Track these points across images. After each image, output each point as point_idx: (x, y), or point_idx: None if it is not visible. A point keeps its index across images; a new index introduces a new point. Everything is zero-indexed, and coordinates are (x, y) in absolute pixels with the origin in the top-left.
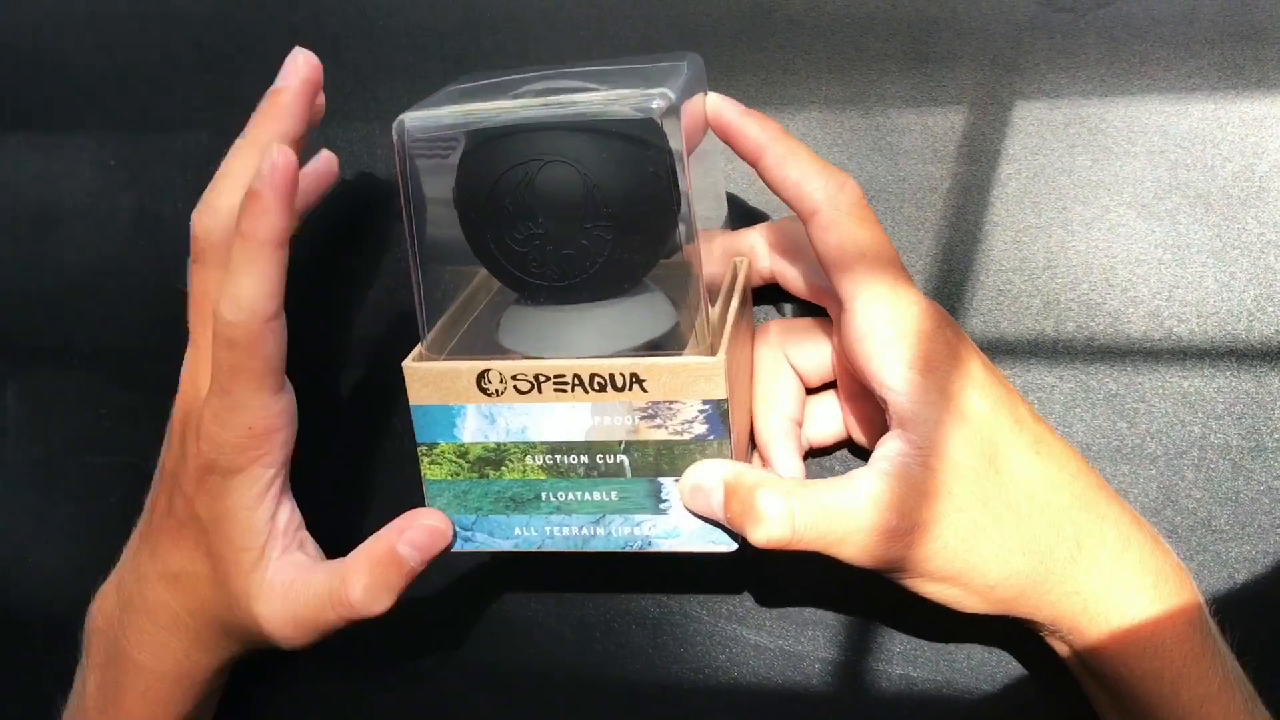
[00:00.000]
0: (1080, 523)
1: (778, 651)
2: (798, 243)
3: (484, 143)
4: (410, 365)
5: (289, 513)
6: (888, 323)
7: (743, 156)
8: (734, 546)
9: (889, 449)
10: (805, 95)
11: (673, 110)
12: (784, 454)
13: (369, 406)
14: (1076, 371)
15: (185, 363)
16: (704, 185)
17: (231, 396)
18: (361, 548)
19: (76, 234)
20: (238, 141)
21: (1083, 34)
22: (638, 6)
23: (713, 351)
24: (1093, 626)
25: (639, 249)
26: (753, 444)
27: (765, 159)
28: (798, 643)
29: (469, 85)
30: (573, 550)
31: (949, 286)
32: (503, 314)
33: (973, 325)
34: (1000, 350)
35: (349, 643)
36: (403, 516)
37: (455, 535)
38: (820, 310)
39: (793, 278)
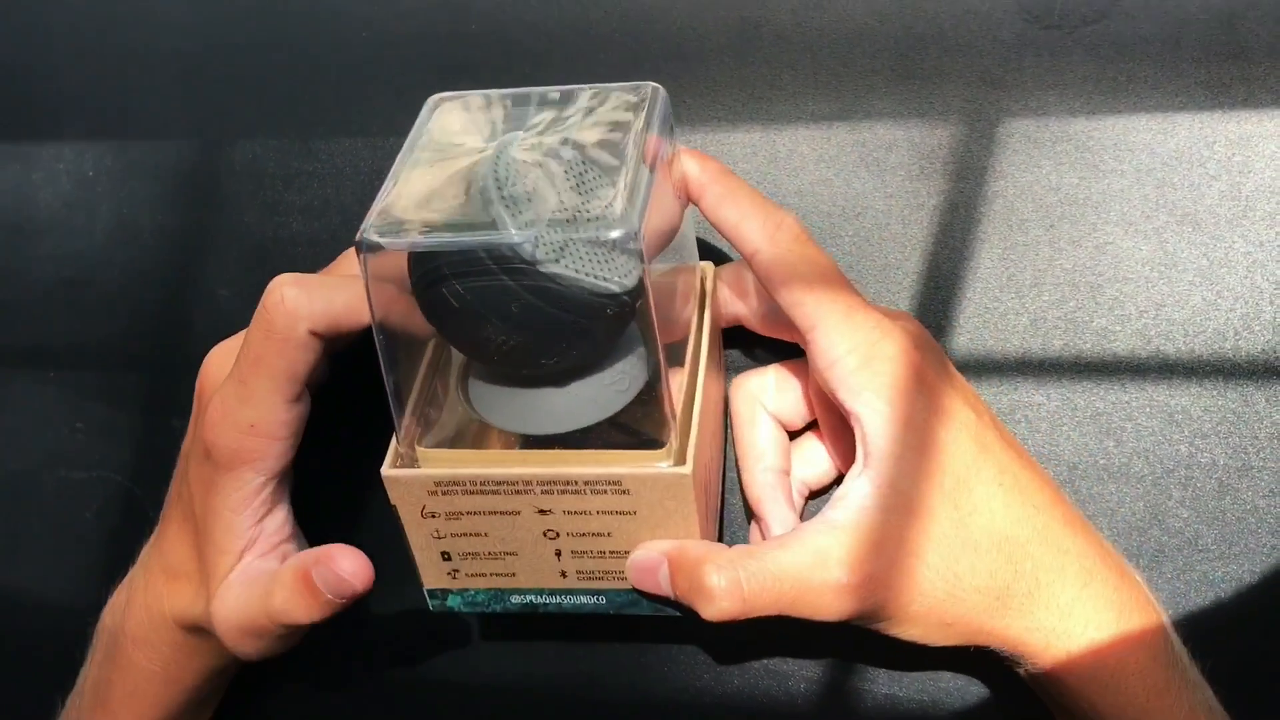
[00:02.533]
0: (1040, 558)
1: (762, 670)
2: (755, 282)
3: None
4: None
5: (279, 523)
6: (851, 350)
7: (687, 197)
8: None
9: (848, 489)
10: (792, 110)
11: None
12: (774, 508)
13: (359, 424)
14: (1063, 389)
15: (223, 344)
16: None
17: (246, 387)
18: (293, 559)
19: (54, 244)
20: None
21: (1070, 51)
22: (624, 19)
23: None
24: (1054, 662)
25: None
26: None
27: (704, 199)
28: (782, 662)
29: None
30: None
31: (935, 304)
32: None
33: (959, 343)
34: (986, 368)
35: (324, 653)
36: (329, 547)
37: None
38: (787, 353)
39: (757, 318)
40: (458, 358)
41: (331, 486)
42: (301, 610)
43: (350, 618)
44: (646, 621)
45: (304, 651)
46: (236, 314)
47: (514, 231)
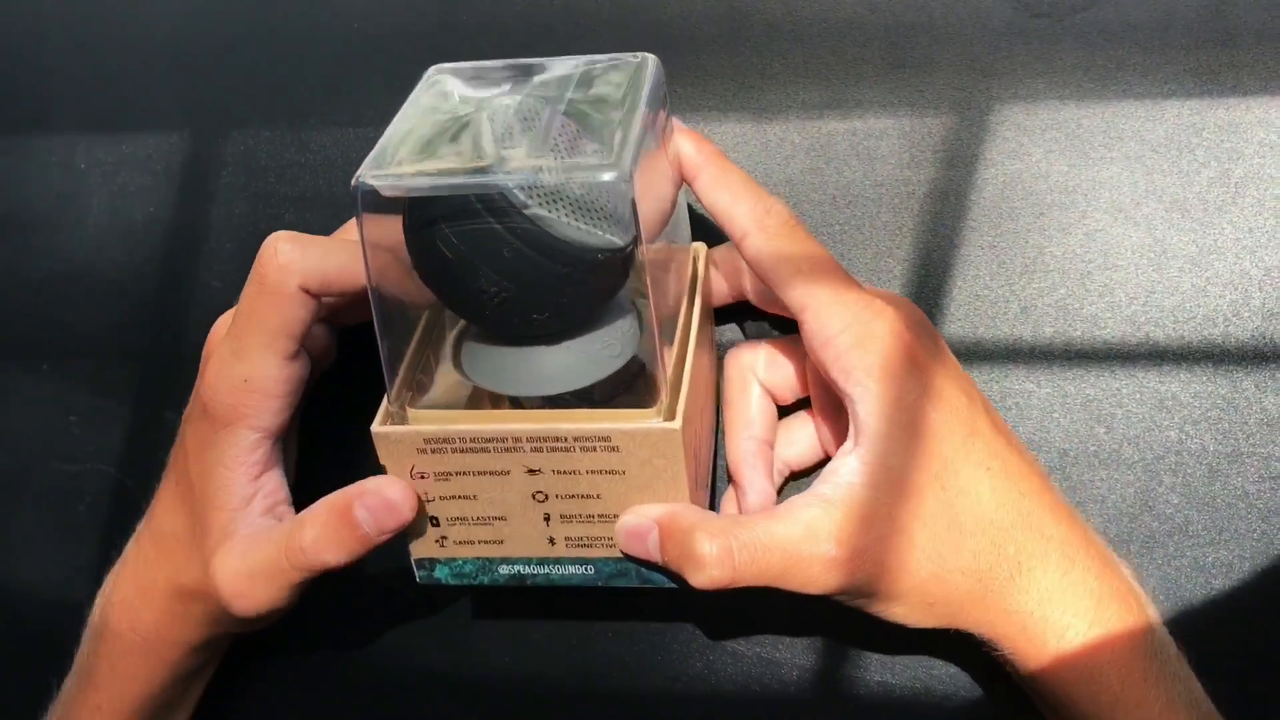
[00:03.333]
0: (1023, 542)
1: (754, 659)
2: None
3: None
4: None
5: (274, 484)
6: (843, 329)
7: (681, 176)
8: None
9: (836, 465)
10: (782, 100)
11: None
12: (753, 475)
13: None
14: (1054, 376)
15: (232, 310)
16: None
17: (240, 342)
18: (325, 498)
19: (46, 238)
20: None
21: (1059, 39)
22: (614, 11)
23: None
24: (1030, 648)
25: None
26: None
27: (699, 181)
28: (774, 649)
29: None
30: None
31: (926, 291)
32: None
33: (950, 330)
34: (977, 355)
35: (314, 645)
36: (369, 480)
37: (421, 529)
38: (787, 326)
39: (755, 295)
40: (452, 324)
41: (320, 467)
42: (334, 549)
43: (337, 605)
44: (636, 601)
45: (289, 640)
46: (229, 306)
47: (506, 176)
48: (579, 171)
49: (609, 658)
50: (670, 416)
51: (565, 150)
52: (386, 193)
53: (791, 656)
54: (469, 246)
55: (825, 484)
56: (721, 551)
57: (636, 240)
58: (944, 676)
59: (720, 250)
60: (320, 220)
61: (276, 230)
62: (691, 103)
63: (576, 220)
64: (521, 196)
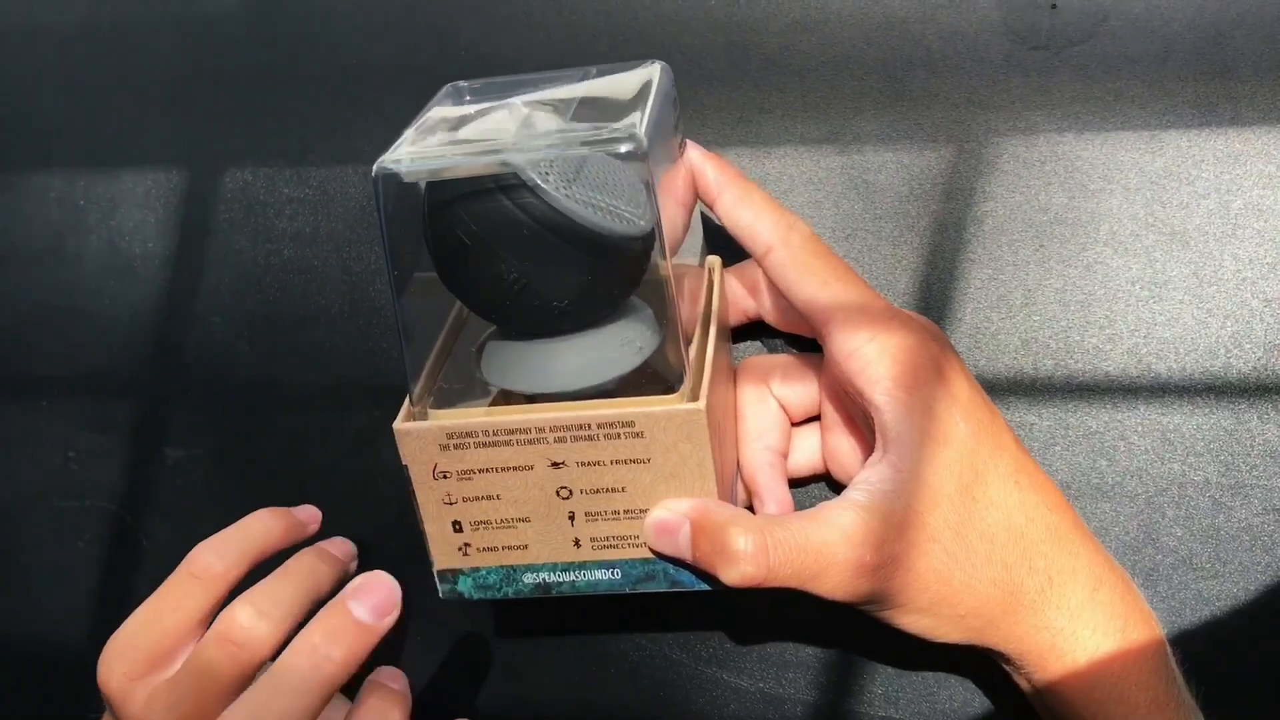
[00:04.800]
0: (1053, 557)
1: (758, 694)
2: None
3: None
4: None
5: None
6: (870, 339)
7: (701, 198)
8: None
9: (869, 474)
10: (781, 134)
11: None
12: (772, 484)
13: (359, 451)
14: (1055, 409)
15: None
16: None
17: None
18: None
19: (45, 273)
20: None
21: (1058, 72)
22: (612, 45)
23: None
24: (1059, 664)
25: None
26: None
27: (721, 202)
28: (778, 685)
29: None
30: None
31: None
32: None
33: None
34: None
35: None
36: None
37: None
38: (802, 345)
39: (772, 313)
40: (473, 338)
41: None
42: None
43: None
44: (643, 624)
45: None
46: (228, 341)
47: (520, 155)
48: (594, 145)
49: (614, 695)
50: (694, 399)
51: (580, 134)
52: (406, 177)
53: (795, 692)
54: (487, 231)
55: (857, 490)
56: (757, 548)
57: (655, 225)
58: (948, 710)
59: (736, 269)
60: (319, 255)
61: (275, 265)
62: (690, 137)
63: (594, 200)
64: (536, 177)
